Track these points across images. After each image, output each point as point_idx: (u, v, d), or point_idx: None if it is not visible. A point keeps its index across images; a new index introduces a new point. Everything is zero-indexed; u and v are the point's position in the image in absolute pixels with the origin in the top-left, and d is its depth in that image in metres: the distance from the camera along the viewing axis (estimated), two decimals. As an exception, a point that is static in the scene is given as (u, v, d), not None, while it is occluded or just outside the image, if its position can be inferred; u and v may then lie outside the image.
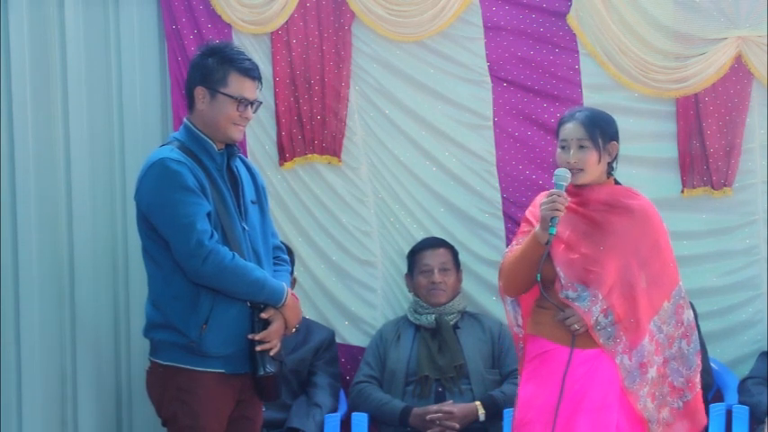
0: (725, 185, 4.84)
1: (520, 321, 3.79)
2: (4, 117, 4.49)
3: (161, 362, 3.54)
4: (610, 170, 3.73)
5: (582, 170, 3.63)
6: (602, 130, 3.67)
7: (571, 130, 3.67)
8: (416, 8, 4.83)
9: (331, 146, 4.85)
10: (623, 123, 4.83)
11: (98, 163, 4.64)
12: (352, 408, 4.59)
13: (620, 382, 3.56)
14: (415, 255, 4.76)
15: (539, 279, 3.59)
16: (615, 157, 3.72)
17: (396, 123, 4.90)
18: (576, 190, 3.67)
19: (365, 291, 4.93)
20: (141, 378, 3.71)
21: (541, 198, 3.68)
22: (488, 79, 4.89)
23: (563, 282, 3.60)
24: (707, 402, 4.45)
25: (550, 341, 3.64)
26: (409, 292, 4.80)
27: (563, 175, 3.60)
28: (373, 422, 4.54)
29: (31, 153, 4.51)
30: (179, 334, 3.48)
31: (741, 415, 4.38)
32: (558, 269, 3.60)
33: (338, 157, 4.86)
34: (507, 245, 4.38)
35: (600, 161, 3.66)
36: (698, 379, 3.70)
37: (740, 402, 4.49)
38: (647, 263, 3.62)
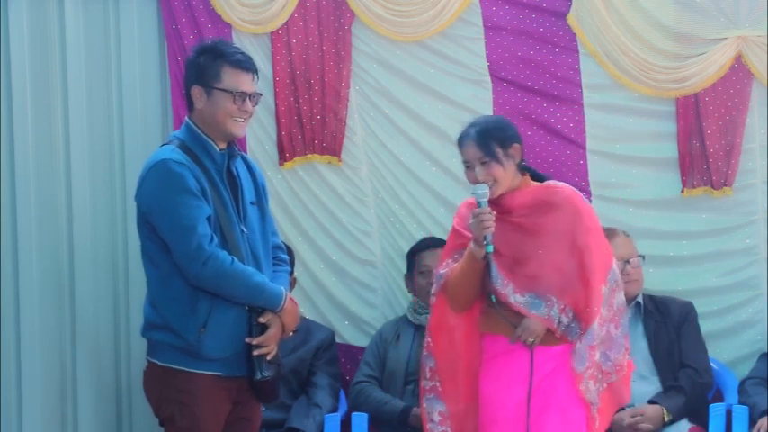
0: (725, 185, 4.83)
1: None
2: (4, 117, 4.50)
3: (159, 362, 3.53)
4: (522, 169, 3.70)
5: (495, 182, 3.62)
6: (497, 140, 3.63)
7: (468, 150, 3.64)
8: (416, 8, 4.83)
9: (331, 146, 4.85)
10: (623, 123, 4.90)
11: (98, 163, 4.64)
12: (352, 408, 4.58)
13: (570, 363, 3.56)
14: (414, 255, 4.75)
15: (494, 300, 3.57)
16: (522, 157, 3.69)
17: (396, 123, 4.90)
18: (495, 201, 3.63)
19: (365, 291, 4.93)
20: (141, 377, 3.70)
21: (465, 208, 3.70)
22: (488, 79, 4.89)
23: (509, 292, 3.59)
24: (707, 402, 4.47)
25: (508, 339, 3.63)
26: (409, 292, 4.80)
27: (483, 192, 3.58)
28: (373, 422, 4.54)
29: (31, 153, 4.52)
30: (177, 336, 3.47)
31: (741, 415, 4.37)
32: (503, 282, 3.58)
33: (338, 157, 4.86)
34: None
35: (506, 169, 3.63)
36: (626, 362, 3.69)
37: (739, 403, 4.48)
38: (585, 250, 3.58)
